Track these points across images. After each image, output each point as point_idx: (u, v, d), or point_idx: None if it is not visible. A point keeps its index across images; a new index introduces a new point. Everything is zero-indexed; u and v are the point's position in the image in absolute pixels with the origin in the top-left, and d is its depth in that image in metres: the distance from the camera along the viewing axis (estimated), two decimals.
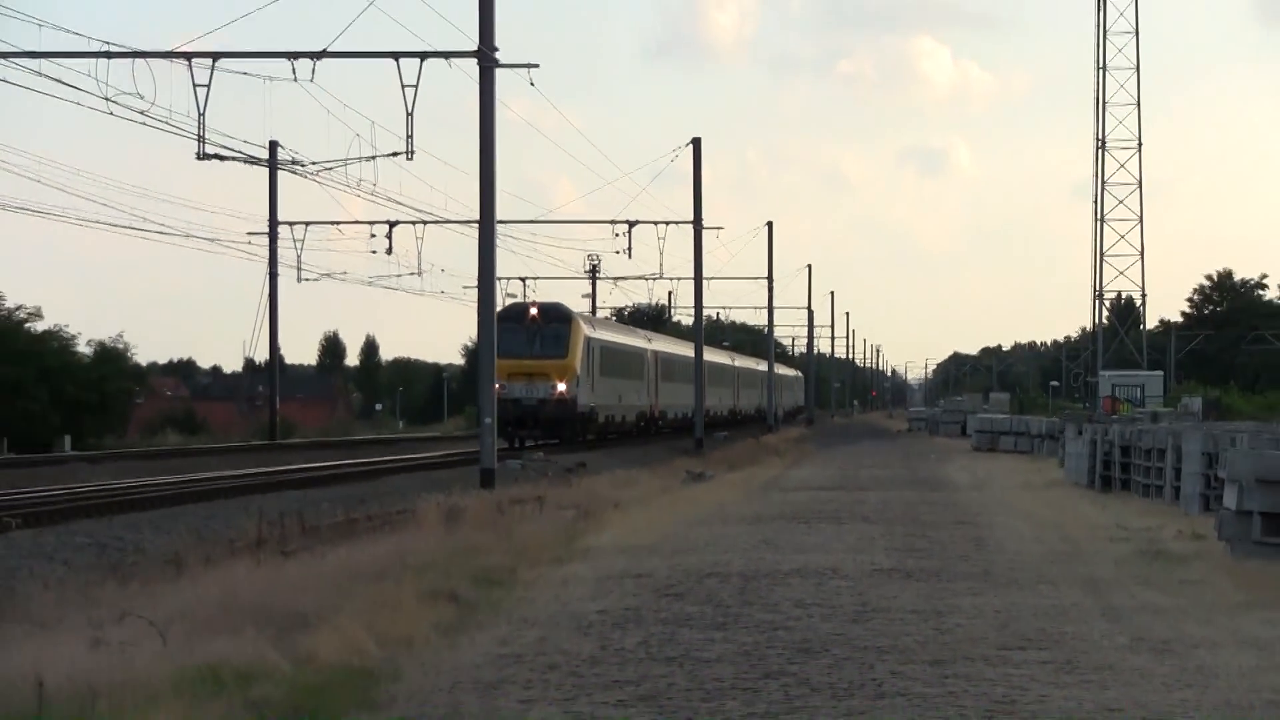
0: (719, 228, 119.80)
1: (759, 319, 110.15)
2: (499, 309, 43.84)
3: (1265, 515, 19.29)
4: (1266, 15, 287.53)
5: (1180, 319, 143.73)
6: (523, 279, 77.34)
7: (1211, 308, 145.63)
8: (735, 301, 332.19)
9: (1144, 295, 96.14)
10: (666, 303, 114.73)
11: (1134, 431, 35.72)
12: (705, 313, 79.42)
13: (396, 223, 62.17)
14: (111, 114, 35.83)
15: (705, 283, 71.09)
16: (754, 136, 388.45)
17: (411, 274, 66.70)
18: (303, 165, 45.26)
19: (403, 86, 37.10)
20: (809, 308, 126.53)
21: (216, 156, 40.95)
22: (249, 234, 72.30)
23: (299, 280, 69.15)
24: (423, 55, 36.99)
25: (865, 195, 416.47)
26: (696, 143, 65.83)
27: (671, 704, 11.34)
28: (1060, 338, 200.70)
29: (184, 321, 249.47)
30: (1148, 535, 24.06)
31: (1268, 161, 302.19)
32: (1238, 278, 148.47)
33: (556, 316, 60.43)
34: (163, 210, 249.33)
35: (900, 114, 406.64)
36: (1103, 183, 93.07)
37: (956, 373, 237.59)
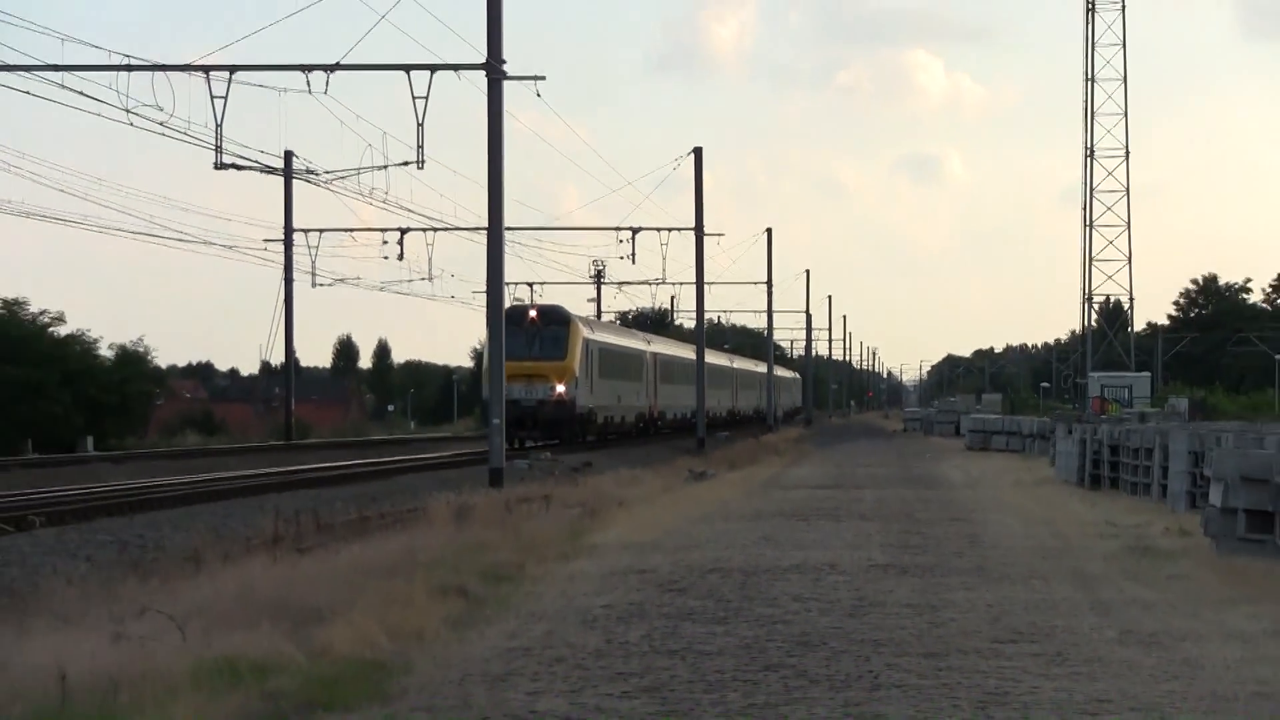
0: (720, 234, 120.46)
1: (759, 322, 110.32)
2: None
3: (1249, 512, 19.28)
4: (1249, 29, 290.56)
5: (1167, 322, 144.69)
6: (530, 284, 77.79)
7: (1197, 311, 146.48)
8: (736, 305, 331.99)
9: (1132, 299, 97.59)
10: (669, 307, 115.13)
11: (1122, 431, 35.84)
12: (707, 316, 79.79)
13: (408, 230, 62.67)
14: (132, 125, 36.50)
15: (706, 287, 71.65)
16: (754, 146, 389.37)
17: (422, 279, 67.03)
18: (317, 174, 45.73)
19: (413, 98, 37.58)
20: (807, 311, 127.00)
21: (234, 166, 41.23)
22: (265, 241, 72.69)
23: (313, 285, 70.35)
24: (433, 68, 37.40)
25: (862, 202, 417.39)
26: (698, 152, 66.28)
27: (674, 695, 11.42)
28: (1051, 340, 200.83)
29: (202, 325, 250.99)
30: (1136, 532, 24.12)
31: (1252, 169, 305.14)
32: (1222, 282, 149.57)
33: (555, 319, 60.47)
34: (182, 218, 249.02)
35: (895, 124, 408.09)
36: (1091, 190, 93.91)
37: (950, 374, 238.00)
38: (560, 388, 58.60)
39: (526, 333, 58.29)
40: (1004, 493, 36.29)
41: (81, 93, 36.22)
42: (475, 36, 36.83)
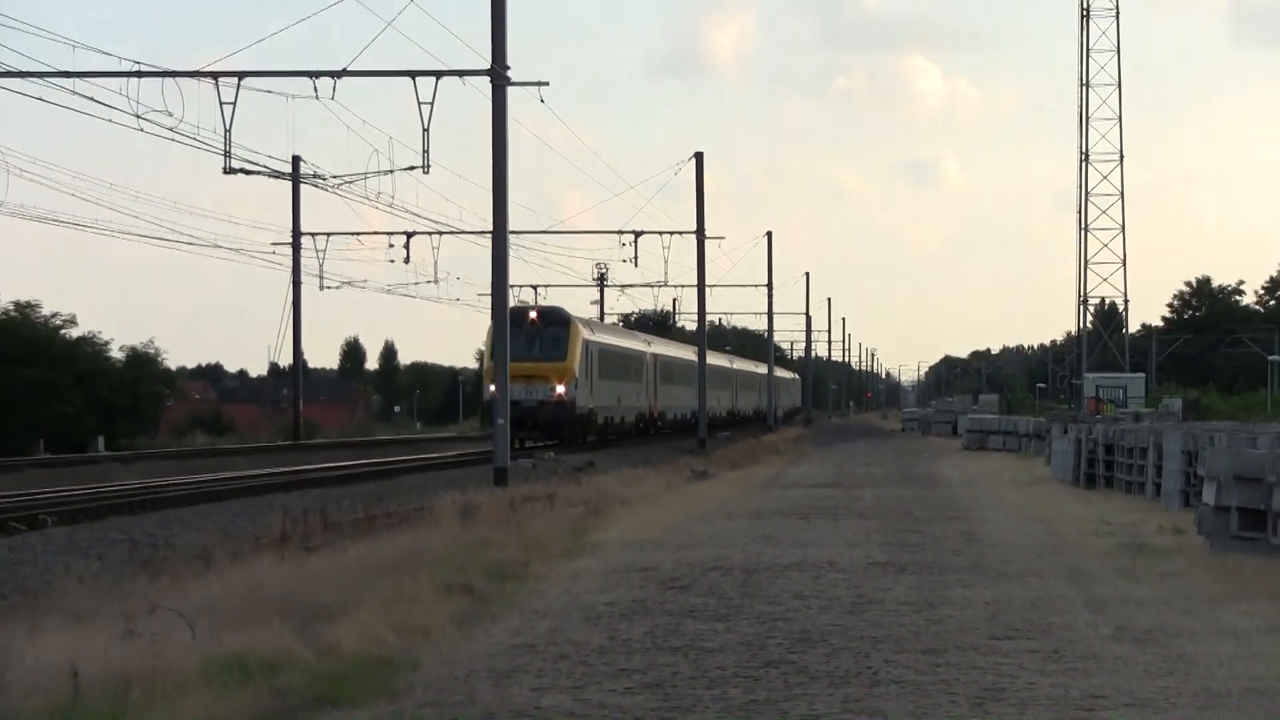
0: (721, 237, 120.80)
1: (760, 324, 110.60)
2: None
3: (1242, 511, 19.33)
4: (1242, 35, 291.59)
5: (1161, 323, 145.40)
6: (534, 286, 77.91)
7: (1191, 313, 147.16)
8: (737, 308, 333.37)
9: (1126, 301, 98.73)
10: (671, 309, 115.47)
11: (1117, 431, 35.93)
12: (708, 318, 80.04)
13: (414, 233, 62.99)
14: (142, 130, 36.78)
15: (708, 290, 72.07)
16: (754, 150, 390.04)
17: (428, 282, 67.38)
18: (324, 179, 45.98)
19: (419, 103, 37.90)
20: (807, 313, 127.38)
21: (242, 171, 41.55)
22: (273, 244, 73.09)
23: (321, 288, 71.33)
24: (438, 74, 37.68)
25: (860, 206, 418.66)
26: (699, 157, 66.58)
27: (676, 691, 11.48)
28: (1046, 341, 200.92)
29: (212, 327, 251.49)
30: (1130, 530, 24.18)
31: (1245, 173, 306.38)
32: (1216, 284, 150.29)
33: (555, 320, 60.55)
34: (191, 222, 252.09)
35: (893, 128, 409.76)
36: (1086, 194, 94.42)
37: (948, 375, 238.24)
38: (560, 388, 58.70)
39: (527, 334, 58.30)
40: (1001, 492, 36.33)
41: (92, 99, 36.46)
42: (480, 43, 37.04)
